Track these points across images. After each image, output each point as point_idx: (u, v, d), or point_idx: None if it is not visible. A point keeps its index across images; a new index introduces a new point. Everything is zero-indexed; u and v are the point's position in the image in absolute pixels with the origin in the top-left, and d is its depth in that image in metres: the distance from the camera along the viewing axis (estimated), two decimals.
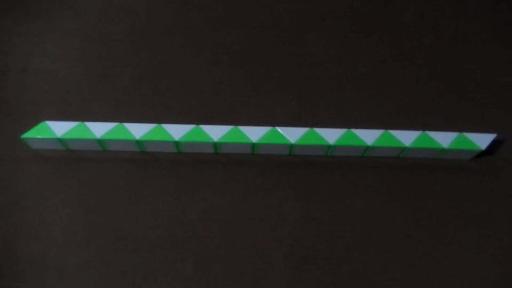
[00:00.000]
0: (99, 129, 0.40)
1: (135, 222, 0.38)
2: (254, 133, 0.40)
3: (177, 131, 0.40)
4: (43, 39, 0.49)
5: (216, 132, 0.40)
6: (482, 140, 0.41)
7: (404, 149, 0.41)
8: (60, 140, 0.40)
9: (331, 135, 0.40)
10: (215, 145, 0.40)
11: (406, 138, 0.41)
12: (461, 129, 0.42)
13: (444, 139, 0.41)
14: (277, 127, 0.41)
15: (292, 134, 0.40)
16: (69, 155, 0.41)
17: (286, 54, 0.49)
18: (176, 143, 0.40)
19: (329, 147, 0.40)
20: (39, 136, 0.39)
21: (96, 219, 0.38)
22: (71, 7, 0.51)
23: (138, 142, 0.40)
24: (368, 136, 0.41)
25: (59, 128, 0.40)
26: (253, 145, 0.40)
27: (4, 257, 0.37)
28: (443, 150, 0.41)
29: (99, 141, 0.40)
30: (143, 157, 0.42)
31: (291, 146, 0.41)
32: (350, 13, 0.52)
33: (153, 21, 0.50)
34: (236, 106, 0.45)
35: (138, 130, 0.40)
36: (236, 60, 0.48)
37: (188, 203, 0.39)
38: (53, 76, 0.46)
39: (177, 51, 0.48)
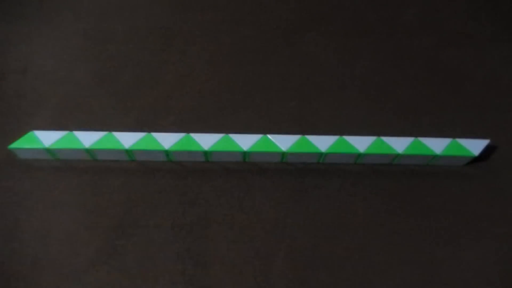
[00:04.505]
0: (87, 139, 0.39)
1: (126, 229, 0.38)
2: (245, 141, 0.40)
3: (166, 140, 0.40)
4: (43, 39, 0.49)
5: (206, 141, 0.40)
6: (475, 146, 0.40)
7: (397, 155, 0.40)
8: (48, 150, 0.39)
9: (323, 142, 0.40)
10: (206, 153, 0.40)
11: (399, 144, 0.40)
12: (454, 135, 0.41)
13: (437, 145, 0.40)
14: (268, 135, 0.40)
15: (284, 142, 0.40)
16: (58, 165, 0.41)
17: (278, 58, 0.48)
18: (166, 152, 0.40)
19: (321, 154, 0.40)
20: (27, 146, 0.39)
21: (90, 226, 0.38)
22: (71, 7, 0.51)
23: (128, 151, 0.40)
24: (360, 143, 0.40)
25: (47, 138, 0.39)
26: (244, 153, 0.40)
27: (4, 257, 0.37)
28: (436, 157, 0.40)
29: (88, 151, 0.40)
30: (133, 166, 0.41)
31: (283, 154, 0.40)
32: (347, 14, 0.52)
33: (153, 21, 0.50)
34: (228, 111, 0.45)
35: (128, 139, 0.40)
36: (232, 63, 0.48)
37: (180, 209, 0.39)
38: (53, 76, 0.46)
39: (174, 54, 0.48)
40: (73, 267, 0.36)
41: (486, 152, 0.42)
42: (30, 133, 0.40)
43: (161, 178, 0.41)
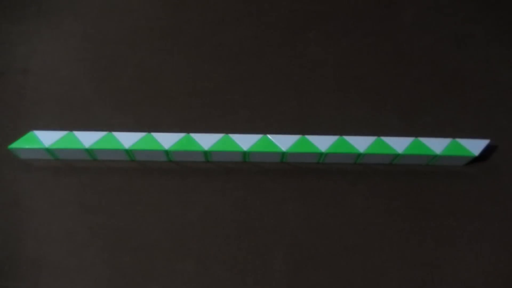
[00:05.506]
0: (88, 139, 0.39)
1: (125, 229, 0.38)
2: (245, 141, 0.40)
3: (166, 140, 0.40)
4: (43, 39, 0.49)
5: (206, 141, 0.40)
6: (475, 146, 0.40)
7: (397, 155, 0.40)
8: (48, 150, 0.39)
9: (323, 143, 0.40)
10: (206, 153, 0.40)
11: (399, 144, 0.40)
12: (454, 135, 0.41)
13: (437, 145, 0.40)
14: (268, 135, 0.40)
15: (284, 142, 0.40)
16: (58, 165, 0.41)
17: (278, 58, 0.48)
18: (166, 152, 0.40)
19: (321, 154, 0.40)
20: (27, 146, 0.39)
21: (93, 226, 0.38)
22: (71, 7, 0.51)
23: (128, 151, 0.40)
24: (360, 143, 0.40)
25: (47, 138, 0.39)
26: (244, 153, 0.40)
27: (4, 257, 0.37)
28: (436, 157, 0.40)
29: (88, 151, 0.40)
30: (133, 166, 0.41)
31: (283, 154, 0.40)
32: (346, 14, 0.52)
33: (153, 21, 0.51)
34: (228, 111, 0.45)
35: (128, 139, 0.40)
36: (231, 63, 0.48)
37: (180, 209, 0.39)
38: (53, 76, 0.46)
39: (174, 54, 0.48)
40: (73, 267, 0.36)
41: (486, 152, 0.42)
42: (30, 133, 0.40)
43: (161, 178, 0.41)
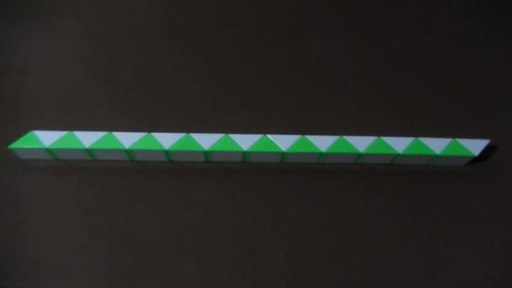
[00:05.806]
0: (88, 139, 0.39)
1: (123, 231, 0.38)
2: (245, 141, 0.40)
3: (166, 140, 0.40)
4: (43, 39, 0.49)
5: (206, 141, 0.40)
6: (475, 146, 0.40)
7: (397, 155, 0.40)
8: (48, 150, 0.39)
9: (323, 143, 0.40)
10: (206, 153, 0.40)
11: (399, 144, 0.40)
12: (454, 135, 0.41)
13: (437, 145, 0.40)
14: (268, 135, 0.40)
15: (284, 142, 0.40)
16: (58, 165, 0.41)
17: (278, 58, 0.48)
18: (166, 152, 0.40)
19: (321, 154, 0.40)
20: (27, 146, 0.39)
21: (92, 225, 0.38)
22: (71, 7, 0.51)
23: (128, 151, 0.40)
24: (361, 143, 0.40)
25: (47, 138, 0.39)
26: (244, 153, 0.40)
27: (4, 257, 0.37)
28: (436, 157, 0.40)
29: (88, 151, 0.40)
30: (133, 166, 0.41)
31: (283, 154, 0.40)
32: (347, 14, 0.52)
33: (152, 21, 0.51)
34: (228, 111, 0.45)
35: (128, 139, 0.40)
36: (232, 63, 0.48)
37: (181, 209, 0.39)
38: (53, 76, 0.46)
39: (174, 54, 0.48)
40: (73, 267, 0.36)
41: (486, 152, 0.42)
42: (30, 133, 0.40)
43: (161, 178, 0.41)
